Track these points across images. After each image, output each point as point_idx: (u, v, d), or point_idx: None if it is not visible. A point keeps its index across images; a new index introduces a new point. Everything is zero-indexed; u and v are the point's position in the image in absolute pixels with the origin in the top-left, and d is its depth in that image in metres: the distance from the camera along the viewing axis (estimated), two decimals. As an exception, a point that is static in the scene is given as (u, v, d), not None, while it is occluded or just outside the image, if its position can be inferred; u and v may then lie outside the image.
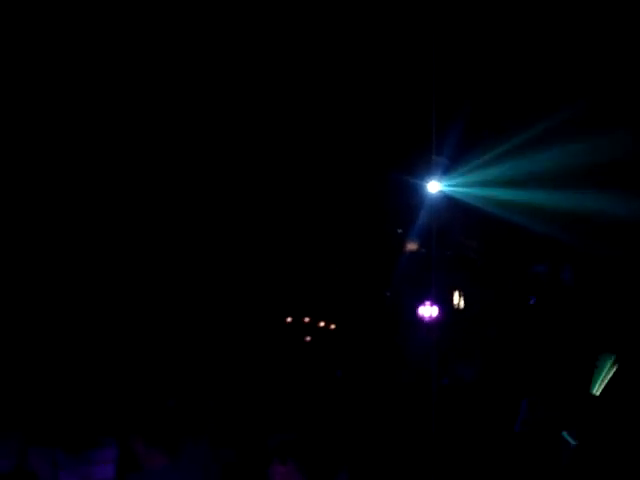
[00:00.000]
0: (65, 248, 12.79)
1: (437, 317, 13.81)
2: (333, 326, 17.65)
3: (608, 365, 9.49)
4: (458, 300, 14.89)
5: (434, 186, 13.32)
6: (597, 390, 9.30)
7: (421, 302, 13.91)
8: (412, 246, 14.88)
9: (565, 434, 7.52)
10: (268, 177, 13.73)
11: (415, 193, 13.57)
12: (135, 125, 12.77)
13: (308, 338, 17.27)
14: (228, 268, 14.26)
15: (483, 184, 12.95)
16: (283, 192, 13.96)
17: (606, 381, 9.26)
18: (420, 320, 13.89)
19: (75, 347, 11.46)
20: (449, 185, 13.28)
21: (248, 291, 14.53)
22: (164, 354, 11.63)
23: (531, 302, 13.47)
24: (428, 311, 13.83)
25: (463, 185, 13.16)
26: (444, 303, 14.22)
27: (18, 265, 12.25)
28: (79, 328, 12.11)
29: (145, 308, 13.08)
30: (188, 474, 5.41)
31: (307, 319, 17.46)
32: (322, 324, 17.74)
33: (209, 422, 6.90)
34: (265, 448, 4.79)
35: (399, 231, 15.22)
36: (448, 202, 13.42)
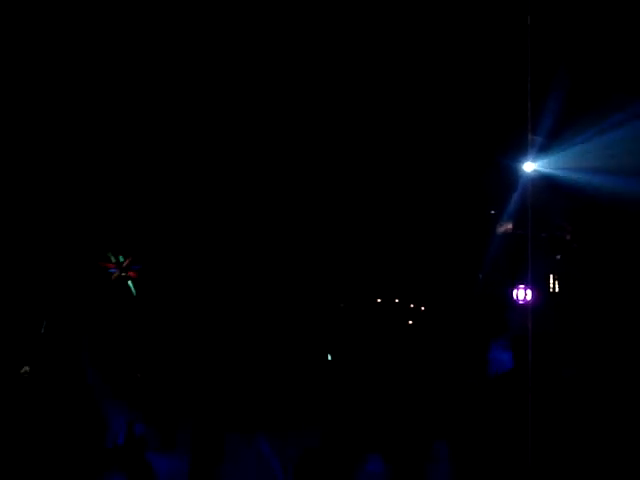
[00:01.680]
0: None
1: (531, 300, 13.54)
2: (423, 308, 17.54)
3: None
4: (553, 283, 14.58)
5: (529, 166, 13.04)
6: None
7: (515, 285, 13.67)
8: (506, 228, 14.61)
9: None
10: (364, 159, 13.73)
11: (510, 173, 13.31)
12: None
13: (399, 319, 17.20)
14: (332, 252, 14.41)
15: (580, 164, 12.61)
16: (379, 175, 13.94)
17: None
18: (514, 303, 13.65)
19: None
20: (545, 165, 12.97)
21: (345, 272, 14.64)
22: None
23: None
24: (522, 294, 13.58)
25: (560, 165, 12.83)
26: (539, 286, 13.93)
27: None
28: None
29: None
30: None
31: (398, 300, 17.38)
32: (413, 306, 17.64)
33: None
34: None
35: (492, 212, 14.96)
36: (544, 182, 13.10)
